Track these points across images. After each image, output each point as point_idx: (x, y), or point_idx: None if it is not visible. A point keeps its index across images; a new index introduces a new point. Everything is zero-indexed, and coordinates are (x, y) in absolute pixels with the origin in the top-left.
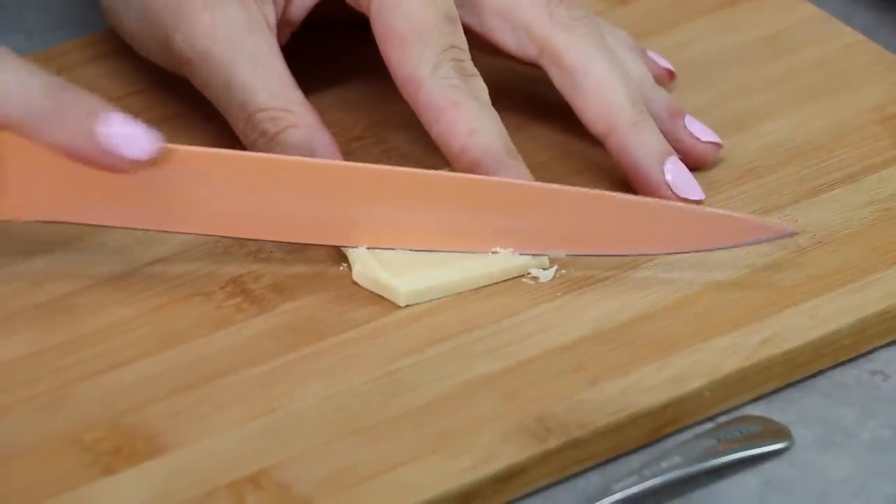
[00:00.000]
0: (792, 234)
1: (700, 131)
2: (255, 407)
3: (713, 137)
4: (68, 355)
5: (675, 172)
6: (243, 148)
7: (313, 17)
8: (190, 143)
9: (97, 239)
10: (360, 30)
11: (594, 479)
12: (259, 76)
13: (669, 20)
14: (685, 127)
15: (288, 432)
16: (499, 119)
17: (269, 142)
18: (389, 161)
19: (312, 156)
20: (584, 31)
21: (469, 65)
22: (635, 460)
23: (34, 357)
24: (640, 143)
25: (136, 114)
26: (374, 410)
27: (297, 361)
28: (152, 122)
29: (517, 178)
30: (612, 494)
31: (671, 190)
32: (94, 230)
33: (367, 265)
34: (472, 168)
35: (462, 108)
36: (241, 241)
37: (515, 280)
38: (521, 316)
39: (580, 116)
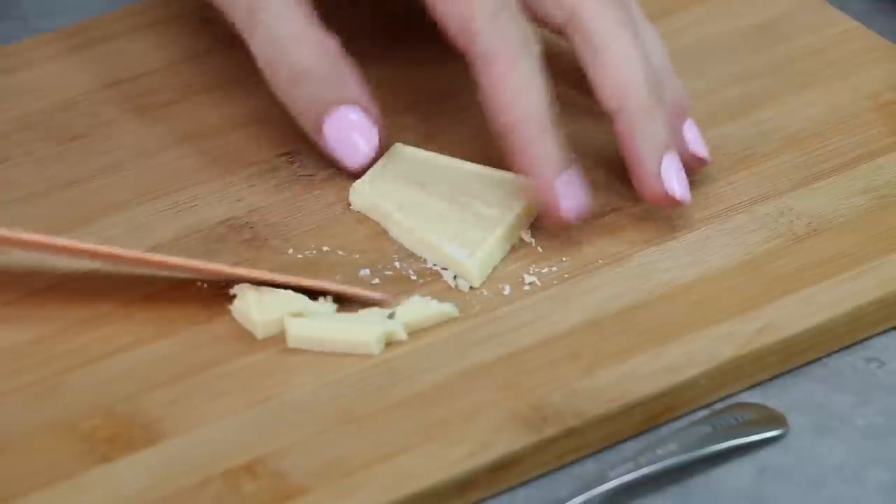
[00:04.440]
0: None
1: (693, 140)
2: (251, 396)
3: (702, 152)
4: (65, 343)
5: (669, 168)
6: None
7: None
8: (192, 128)
9: (93, 227)
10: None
11: (590, 466)
12: None
13: (665, 7)
14: (682, 131)
15: (283, 421)
16: (547, 82)
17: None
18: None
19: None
20: (614, 5)
21: (525, 19)
22: (631, 448)
23: (30, 344)
24: (646, 129)
25: (141, 97)
26: (370, 399)
27: (292, 350)
28: (157, 106)
29: (553, 146)
30: (608, 482)
31: (661, 183)
32: (90, 219)
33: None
34: (512, 126)
35: (517, 64)
36: (237, 229)
37: (512, 269)
38: (517, 304)
39: (594, 89)
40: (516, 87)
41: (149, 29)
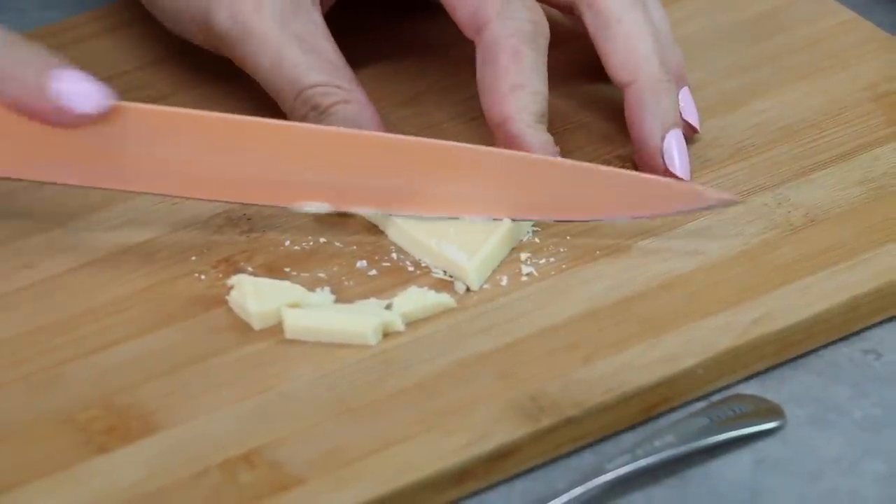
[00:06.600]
0: (734, 202)
1: (687, 108)
2: (248, 386)
3: (694, 120)
4: (62, 334)
5: (671, 145)
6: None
7: None
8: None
9: (91, 219)
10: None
11: (588, 458)
12: (309, 55)
13: None
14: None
15: (280, 412)
16: (546, 77)
17: (320, 115)
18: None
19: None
20: None
21: (537, 5)
22: (628, 439)
23: (28, 336)
24: (655, 102)
25: (132, 91)
26: (367, 390)
27: (290, 341)
28: (150, 100)
29: (539, 144)
30: (605, 474)
31: (662, 158)
32: (88, 210)
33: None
34: (502, 121)
35: (520, 59)
36: (234, 221)
37: (509, 260)
38: (515, 295)
39: (605, 62)
40: (515, 83)
41: (136, 26)
